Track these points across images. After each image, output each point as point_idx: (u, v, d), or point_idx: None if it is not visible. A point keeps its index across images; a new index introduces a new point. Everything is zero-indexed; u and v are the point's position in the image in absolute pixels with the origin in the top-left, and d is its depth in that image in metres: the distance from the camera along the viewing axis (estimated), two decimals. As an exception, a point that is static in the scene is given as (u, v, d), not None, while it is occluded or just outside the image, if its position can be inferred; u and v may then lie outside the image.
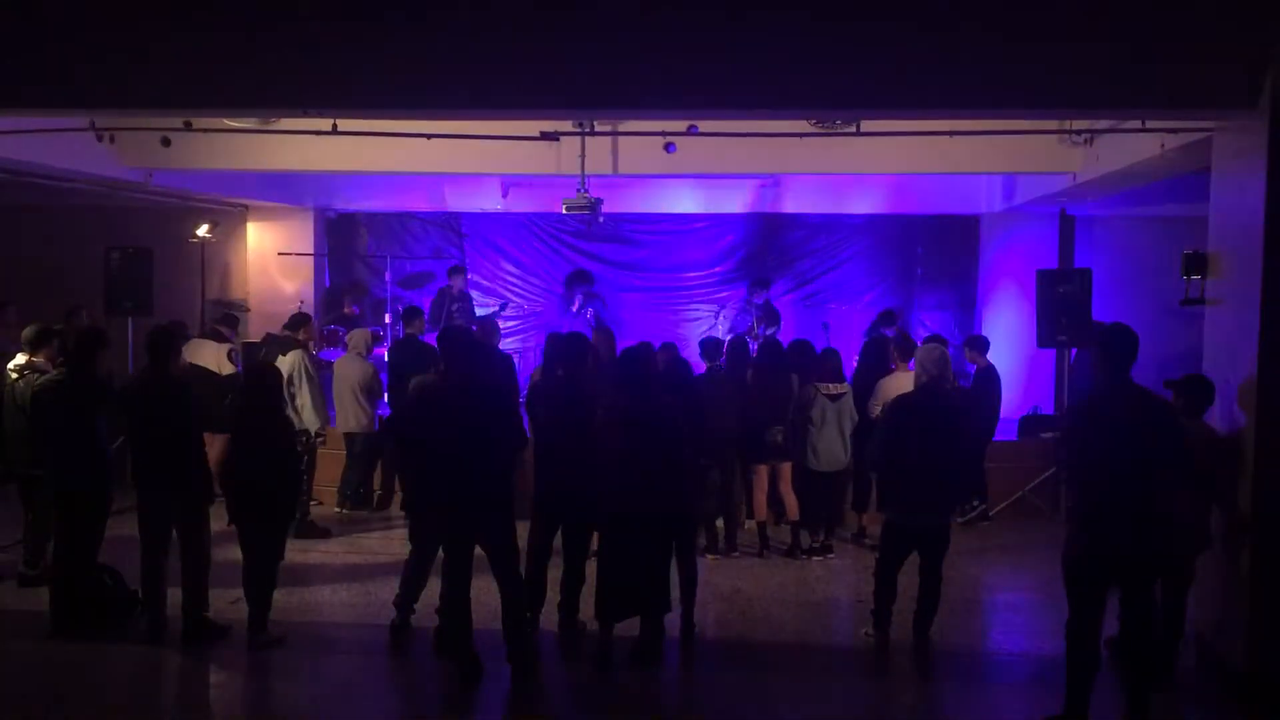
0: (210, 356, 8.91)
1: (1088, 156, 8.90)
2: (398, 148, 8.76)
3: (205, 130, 8.60)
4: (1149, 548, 4.65)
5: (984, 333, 10.50)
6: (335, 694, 5.37)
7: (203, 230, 11.01)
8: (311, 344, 8.92)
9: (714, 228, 12.66)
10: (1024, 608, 6.98)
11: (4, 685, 5.52)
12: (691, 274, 12.70)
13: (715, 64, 5.56)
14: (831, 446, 7.77)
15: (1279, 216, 5.26)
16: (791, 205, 12.39)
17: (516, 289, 12.71)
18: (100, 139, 8.81)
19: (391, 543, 7.96)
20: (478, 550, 5.36)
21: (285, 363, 8.20)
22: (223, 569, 6.20)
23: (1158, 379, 5.56)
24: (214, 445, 6.91)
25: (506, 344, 11.25)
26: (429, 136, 8.31)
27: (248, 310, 12.00)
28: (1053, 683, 5.00)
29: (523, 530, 5.77)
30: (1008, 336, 11.11)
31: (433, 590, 5.80)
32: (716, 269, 12.69)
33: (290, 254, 12.37)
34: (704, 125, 8.26)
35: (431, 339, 8.06)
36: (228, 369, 8.85)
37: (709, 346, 8.07)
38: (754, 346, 8.91)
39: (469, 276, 11.95)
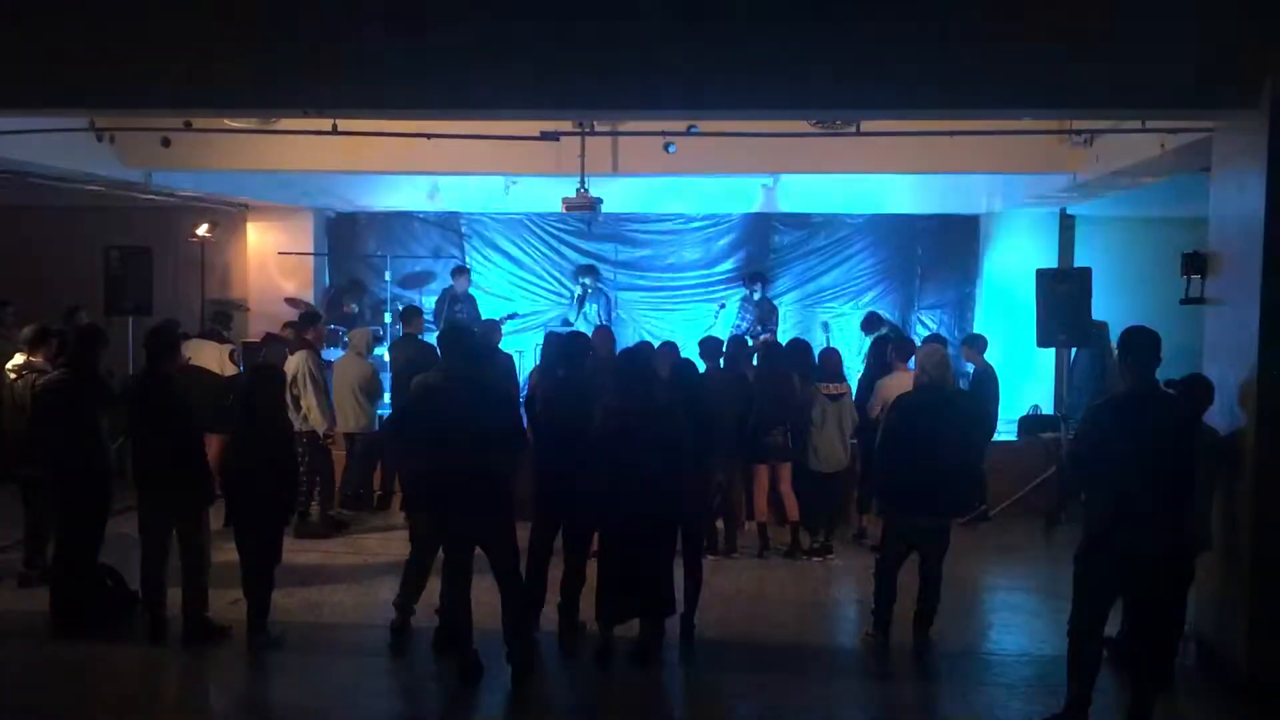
0: (212, 357, 8.89)
1: (1088, 156, 8.90)
2: (398, 148, 8.76)
3: (205, 130, 8.60)
4: (1167, 549, 4.65)
5: (984, 332, 10.47)
6: (335, 694, 5.36)
7: (202, 230, 11.01)
8: (319, 344, 8.87)
9: (714, 228, 12.65)
10: (1024, 608, 6.96)
11: (4, 686, 5.51)
12: (691, 274, 12.69)
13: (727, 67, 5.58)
14: (832, 446, 7.77)
15: (1279, 216, 5.25)
16: (791, 205, 12.38)
17: (516, 289, 12.67)
18: (100, 139, 8.81)
19: (391, 543, 7.94)
20: (478, 550, 5.36)
21: (291, 364, 8.13)
22: (223, 569, 6.19)
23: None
24: (214, 445, 6.92)
25: (506, 344, 11.21)
26: (429, 136, 8.30)
27: (247, 310, 11.99)
28: (1053, 683, 5.00)
29: (523, 530, 5.76)
30: (1007, 336, 11.10)
31: (433, 590, 5.80)
32: (716, 269, 12.68)
33: (290, 254, 12.36)
34: (704, 125, 8.25)
35: (433, 338, 8.05)
36: (230, 369, 8.84)
37: (709, 346, 8.06)
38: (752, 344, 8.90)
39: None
